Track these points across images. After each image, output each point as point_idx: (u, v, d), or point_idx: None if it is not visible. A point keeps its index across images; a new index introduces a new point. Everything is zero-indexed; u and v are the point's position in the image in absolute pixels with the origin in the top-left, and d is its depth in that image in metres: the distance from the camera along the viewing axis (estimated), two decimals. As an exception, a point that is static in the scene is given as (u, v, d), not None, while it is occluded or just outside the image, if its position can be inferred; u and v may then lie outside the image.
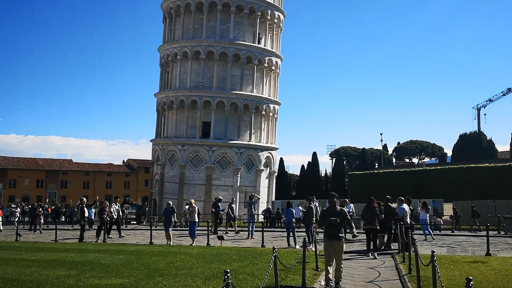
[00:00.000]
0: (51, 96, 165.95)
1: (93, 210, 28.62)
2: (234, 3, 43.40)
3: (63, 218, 41.93)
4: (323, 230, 10.51)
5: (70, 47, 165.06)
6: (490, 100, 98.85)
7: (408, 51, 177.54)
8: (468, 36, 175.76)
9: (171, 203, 21.23)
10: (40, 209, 30.63)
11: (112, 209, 22.88)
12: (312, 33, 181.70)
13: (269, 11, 45.38)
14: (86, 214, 23.66)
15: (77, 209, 28.09)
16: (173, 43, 45.42)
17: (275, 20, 46.52)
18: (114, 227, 23.64)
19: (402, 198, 17.65)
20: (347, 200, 21.81)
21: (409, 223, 16.88)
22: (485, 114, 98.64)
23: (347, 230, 14.80)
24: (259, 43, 45.28)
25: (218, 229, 24.99)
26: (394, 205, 17.20)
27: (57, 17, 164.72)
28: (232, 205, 25.98)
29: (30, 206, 37.57)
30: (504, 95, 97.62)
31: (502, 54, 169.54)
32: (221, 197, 29.80)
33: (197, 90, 43.61)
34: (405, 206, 17.29)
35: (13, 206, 38.96)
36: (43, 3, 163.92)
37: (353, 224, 11.24)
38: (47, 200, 67.50)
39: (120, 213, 25.10)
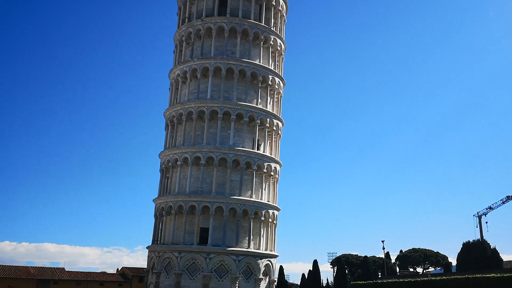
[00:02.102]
0: (46, 202, 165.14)
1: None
2: (235, 112, 45.01)
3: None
4: None
5: (67, 154, 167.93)
6: (491, 208, 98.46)
7: (408, 157, 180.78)
8: (467, 143, 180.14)
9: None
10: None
11: None
12: (310, 139, 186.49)
13: (268, 119, 46.92)
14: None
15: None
16: (174, 149, 46.26)
17: (274, 128, 47.92)
18: None
19: None
20: None
21: None
22: (486, 222, 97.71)
23: None
24: (258, 149, 46.16)
25: None
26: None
27: (56, 134, 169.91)
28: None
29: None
30: (503, 203, 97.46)
31: (500, 162, 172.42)
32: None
33: (196, 195, 43.52)
34: None
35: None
36: (40, 107, 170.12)
37: None
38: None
39: None
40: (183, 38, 49.07)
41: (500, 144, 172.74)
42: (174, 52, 51.43)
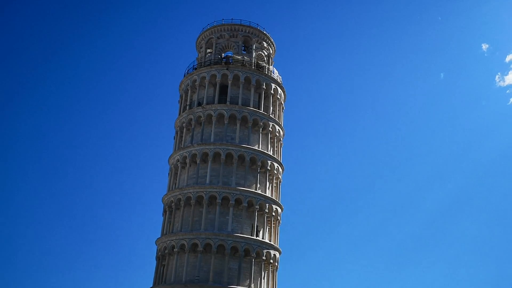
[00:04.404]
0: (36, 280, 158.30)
1: None
2: (233, 197, 44.63)
3: None
4: None
5: (58, 237, 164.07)
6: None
7: (410, 245, 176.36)
8: (471, 230, 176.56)
9: None
10: None
11: None
12: (310, 225, 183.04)
13: (267, 205, 46.39)
14: None
15: None
16: (171, 236, 45.23)
17: (273, 213, 47.25)
18: None
19: None
20: None
21: None
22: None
23: None
24: (257, 235, 45.13)
25: None
26: None
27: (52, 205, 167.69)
28: None
29: None
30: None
31: (506, 250, 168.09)
32: None
33: (192, 284, 41.85)
34: None
35: None
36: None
37: None
38: None
39: None
40: (184, 124, 49.97)
41: (507, 230, 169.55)
42: (174, 138, 52.08)
